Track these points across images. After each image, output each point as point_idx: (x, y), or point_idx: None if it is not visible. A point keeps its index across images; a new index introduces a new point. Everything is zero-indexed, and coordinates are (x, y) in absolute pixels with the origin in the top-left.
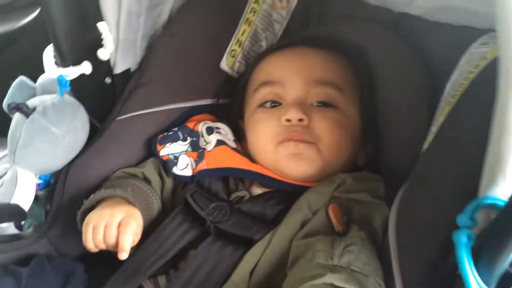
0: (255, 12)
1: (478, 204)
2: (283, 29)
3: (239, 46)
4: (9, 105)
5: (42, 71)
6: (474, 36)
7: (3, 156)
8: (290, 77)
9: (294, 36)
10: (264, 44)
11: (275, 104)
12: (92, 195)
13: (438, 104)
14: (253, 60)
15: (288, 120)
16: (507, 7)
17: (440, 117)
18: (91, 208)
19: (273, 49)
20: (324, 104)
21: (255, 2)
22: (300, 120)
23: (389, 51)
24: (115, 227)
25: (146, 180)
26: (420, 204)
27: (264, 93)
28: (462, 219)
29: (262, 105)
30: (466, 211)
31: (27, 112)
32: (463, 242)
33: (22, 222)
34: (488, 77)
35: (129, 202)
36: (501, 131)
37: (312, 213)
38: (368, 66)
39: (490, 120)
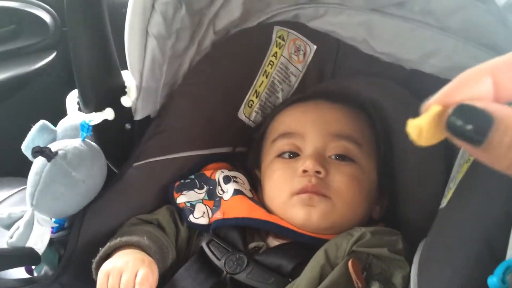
0: (272, 64)
1: (508, 266)
2: (299, 81)
3: (257, 96)
4: (33, 148)
5: (55, 114)
6: None
7: (11, 195)
8: (309, 129)
9: (310, 89)
10: (280, 95)
11: (293, 155)
12: (108, 243)
13: (453, 160)
14: (269, 110)
15: (305, 171)
16: None
17: (458, 174)
18: (107, 256)
19: (291, 101)
20: (342, 158)
21: (273, 55)
22: (318, 172)
23: (404, 108)
24: (132, 278)
25: (161, 227)
26: (442, 263)
27: (282, 144)
28: (493, 281)
29: (280, 155)
30: (496, 273)
31: (50, 156)
32: None
33: (33, 266)
34: None
35: (145, 252)
36: None
37: (330, 266)
38: (384, 122)
39: (508, 177)
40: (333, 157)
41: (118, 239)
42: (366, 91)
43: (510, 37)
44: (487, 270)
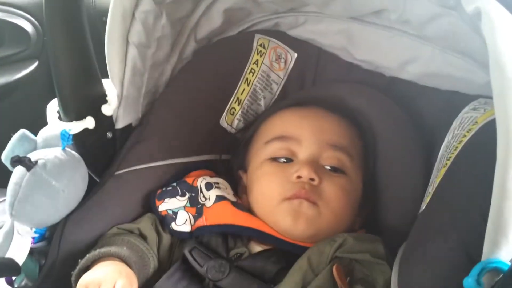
0: (254, 72)
1: (483, 268)
2: (281, 89)
3: (238, 104)
4: (12, 158)
5: (37, 123)
6: (461, 101)
7: None
8: (306, 135)
9: (292, 96)
10: (262, 103)
11: (287, 160)
12: (87, 255)
13: (432, 165)
14: (252, 118)
15: (299, 177)
16: (502, 74)
17: (436, 179)
18: (86, 268)
19: (285, 105)
20: (335, 169)
21: (254, 63)
22: (312, 179)
23: (386, 115)
24: None
25: (142, 236)
26: (421, 266)
27: (277, 147)
28: (468, 282)
29: (273, 159)
30: (471, 275)
31: (29, 165)
32: None
33: (14, 277)
34: (480, 141)
35: (125, 262)
36: (502, 196)
37: (313, 272)
38: (370, 131)
39: (483, 181)
40: (327, 167)
41: (97, 251)
42: (350, 97)
43: (483, 44)
44: (464, 271)
